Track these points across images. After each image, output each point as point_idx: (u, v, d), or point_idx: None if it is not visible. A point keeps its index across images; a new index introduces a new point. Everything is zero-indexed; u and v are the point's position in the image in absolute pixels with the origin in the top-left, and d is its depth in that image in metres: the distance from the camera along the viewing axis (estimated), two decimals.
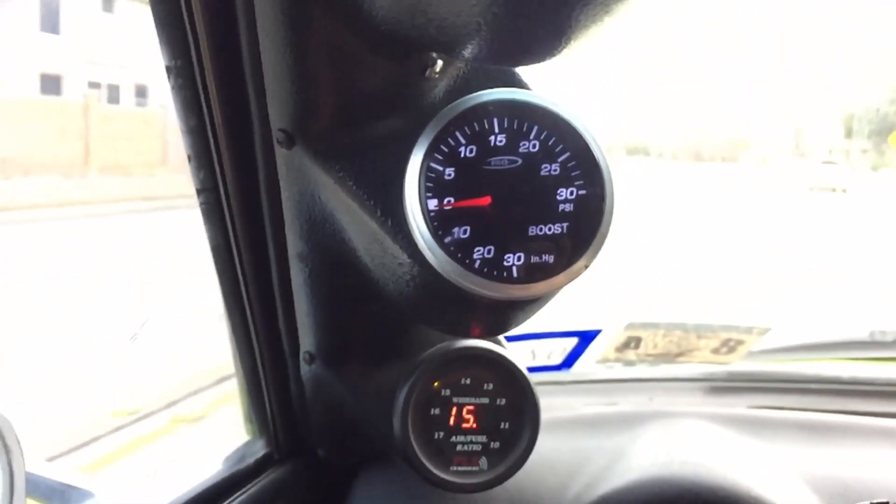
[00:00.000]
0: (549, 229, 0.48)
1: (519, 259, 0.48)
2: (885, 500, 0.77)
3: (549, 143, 0.49)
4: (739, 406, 1.24)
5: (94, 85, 5.65)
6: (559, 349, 1.38)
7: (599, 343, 1.40)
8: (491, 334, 0.60)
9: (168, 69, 0.53)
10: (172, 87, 0.55)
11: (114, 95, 5.92)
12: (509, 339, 0.79)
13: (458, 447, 0.68)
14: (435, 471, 0.66)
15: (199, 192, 0.61)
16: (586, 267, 0.49)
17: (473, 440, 0.68)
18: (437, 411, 0.68)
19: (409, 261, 0.49)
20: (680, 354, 1.37)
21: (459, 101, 0.50)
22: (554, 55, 0.42)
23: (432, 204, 0.48)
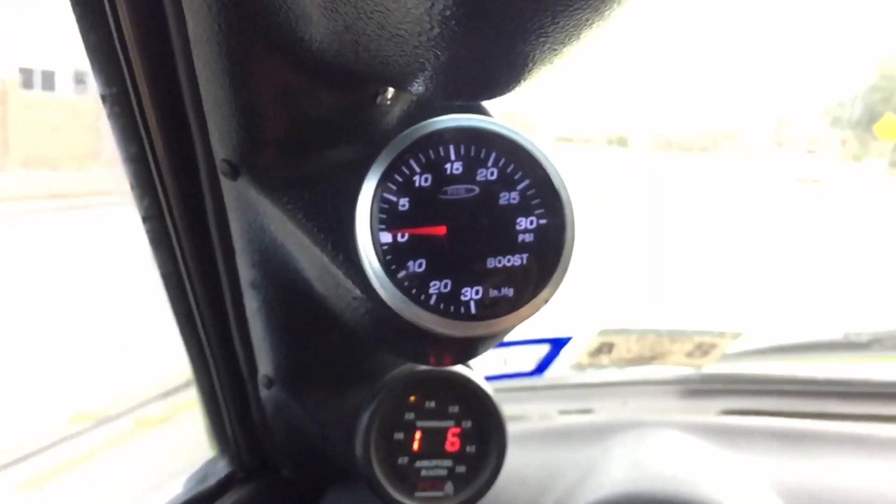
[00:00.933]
0: (509, 261, 0.48)
1: (477, 293, 0.48)
2: None
3: (508, 170, 0.49)
4: (714, 409, 1.29)
5: (26, 71, 5.42)
6: (532, 356, 1.42)
7: (573, 349, 1.44)
8: (451, 364, 0.61)
9: (103, 97, 0.53)
10: (109, 115, 0.54)
11: (48, 82, 5.68)
12: None
13: (423, 472, 0.69)
14: (399, 497, 0.68)
15: (144, 219, 0.61)
16: (547, 301, 0.49)
17: (438, 465, 0.69)
18: (400, 436, 0.69)
19: (362, 296, 0.49)
20: (654, 358, 1.41)
21: (414, 127, 0.50)
22: (508, 92, 0.42)
23: (385, 237, 0.47)
